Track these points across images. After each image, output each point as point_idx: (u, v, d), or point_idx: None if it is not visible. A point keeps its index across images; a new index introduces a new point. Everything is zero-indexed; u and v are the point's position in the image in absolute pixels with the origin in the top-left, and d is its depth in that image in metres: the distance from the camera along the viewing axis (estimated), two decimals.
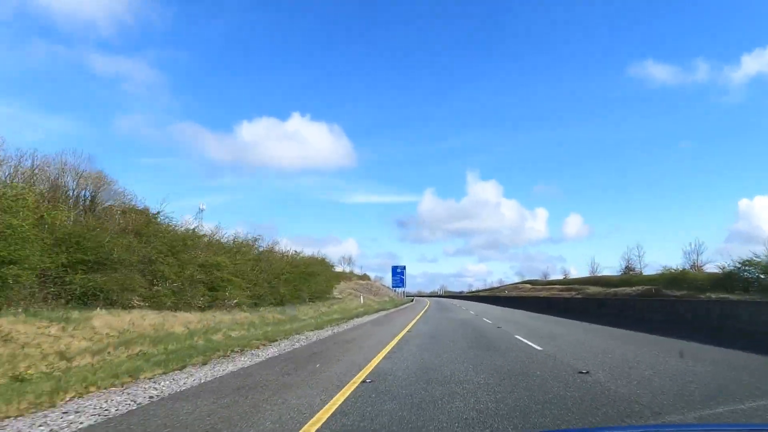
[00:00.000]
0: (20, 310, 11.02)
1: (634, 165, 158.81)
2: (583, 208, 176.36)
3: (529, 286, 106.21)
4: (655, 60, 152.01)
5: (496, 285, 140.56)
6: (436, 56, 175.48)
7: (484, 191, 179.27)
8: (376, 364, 9.49)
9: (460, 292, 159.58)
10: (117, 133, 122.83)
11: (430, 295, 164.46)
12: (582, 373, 8.22)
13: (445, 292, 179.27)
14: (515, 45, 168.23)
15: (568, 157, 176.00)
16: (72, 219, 16.37)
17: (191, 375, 8.38)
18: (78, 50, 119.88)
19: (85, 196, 19.65)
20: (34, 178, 16.59)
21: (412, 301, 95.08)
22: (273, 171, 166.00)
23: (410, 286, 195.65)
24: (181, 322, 14.95)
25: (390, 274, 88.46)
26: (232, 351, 11.35)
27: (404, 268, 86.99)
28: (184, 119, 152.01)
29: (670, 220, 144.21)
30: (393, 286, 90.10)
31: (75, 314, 11.72)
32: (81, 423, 5.32)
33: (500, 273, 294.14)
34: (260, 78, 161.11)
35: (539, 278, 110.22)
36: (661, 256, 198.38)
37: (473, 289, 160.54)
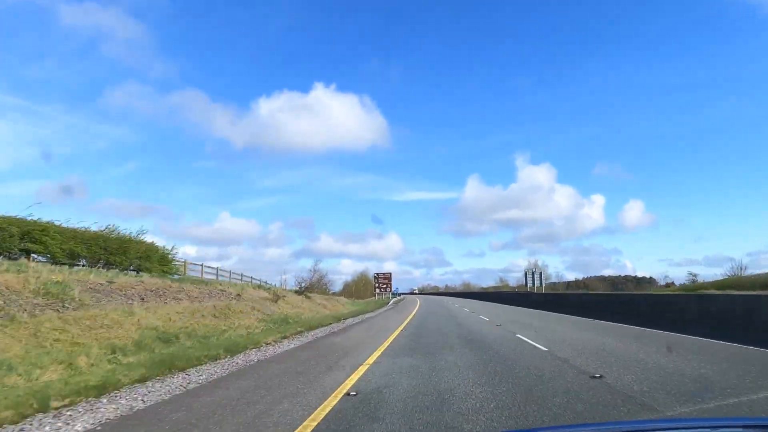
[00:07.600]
0: None
1: (721, 135, 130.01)
2: (647, 194, 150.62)
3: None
4: None
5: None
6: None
7: (536, 176, 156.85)
8: None
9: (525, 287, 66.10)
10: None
11: (480, 296, 77.21)
12: None
13: (545, 288, 63.26)
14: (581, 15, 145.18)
15: (636, 133, 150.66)
16: None
17: None
18: None
19: None
20: None
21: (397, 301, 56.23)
22: (304, 158, 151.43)
23: (455, 281, 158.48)
24: None
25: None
26: None
27: None
28: (184, 89, 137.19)
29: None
30: None
31: None
32: None
33: (551, 268, 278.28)
34: (278, 48, 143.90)
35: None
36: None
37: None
